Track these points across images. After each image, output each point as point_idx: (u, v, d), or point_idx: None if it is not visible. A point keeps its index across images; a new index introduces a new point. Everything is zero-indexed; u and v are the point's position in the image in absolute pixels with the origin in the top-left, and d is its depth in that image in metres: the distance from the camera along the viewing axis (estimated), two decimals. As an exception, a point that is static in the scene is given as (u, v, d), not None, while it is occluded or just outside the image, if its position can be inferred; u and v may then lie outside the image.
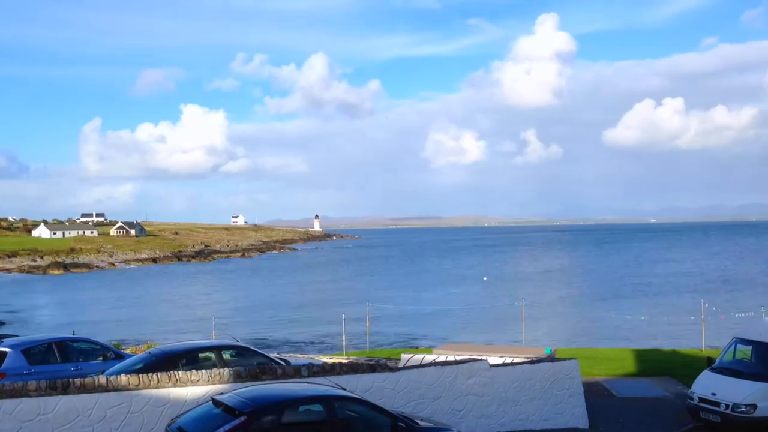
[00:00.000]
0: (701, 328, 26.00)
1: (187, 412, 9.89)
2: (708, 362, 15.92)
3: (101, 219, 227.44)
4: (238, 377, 11.30)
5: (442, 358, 14.37)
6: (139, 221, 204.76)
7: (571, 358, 15.18)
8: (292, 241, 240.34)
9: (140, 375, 10.96)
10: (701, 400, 14.69)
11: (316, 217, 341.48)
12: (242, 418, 8.71)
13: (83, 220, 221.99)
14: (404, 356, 15.96)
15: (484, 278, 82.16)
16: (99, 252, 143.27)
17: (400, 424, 9.92)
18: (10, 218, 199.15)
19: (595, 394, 17.16)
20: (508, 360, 14.88)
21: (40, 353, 15.11)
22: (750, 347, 15.40)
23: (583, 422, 14.62)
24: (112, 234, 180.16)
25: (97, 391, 10.42)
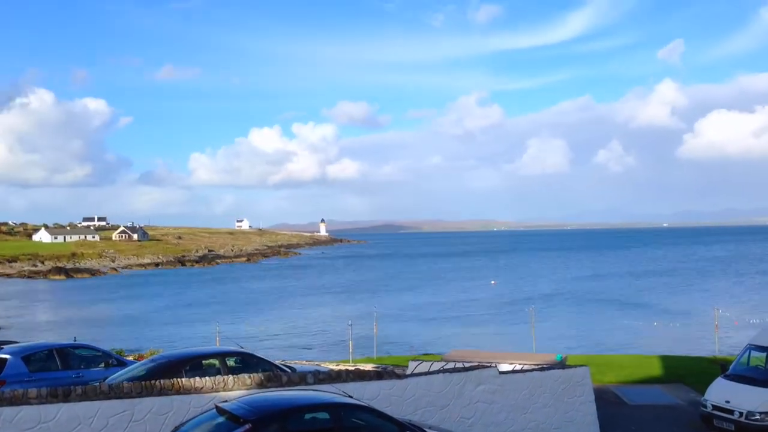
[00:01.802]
0: (714, 334, 25.75)
1: (190, 420, 9.67)
2: (721, 369, 15.70)
3: (103, 223, 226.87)
4: (242, 384, 11.10)
5: (450, 365, 14.12)
6: (142, 225, 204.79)
7: (582, 365, 14.93)
8: (298, 245, 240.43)
9: (143, 382, 10.77)
10: (714, 407, 14.46)
11: (322, 221, 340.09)
12: (247, 426, 8.49)
13: (85, 224, 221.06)
14: (412, 363, 15.73)
15: (492, 282, 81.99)
16: (101, 257, 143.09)
17: (407, 432, 9.69)
18: (10, 222, 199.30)
19: (606, 401, 16.93)
20: (518, 367, 14.65)
21: (40, 360, 14.96)
22: (764, 354, 15.17)
23: (594, 430, 14.36)
24: (114, 238, 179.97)
25: (99, 399, 10.23)
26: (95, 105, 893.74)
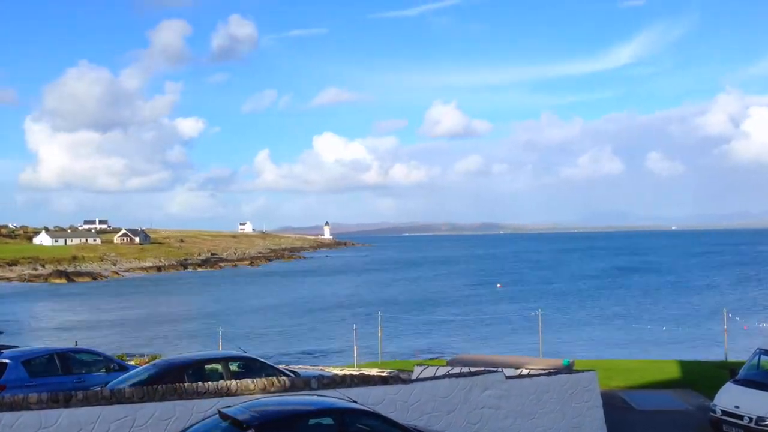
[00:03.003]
0: (723, 339, 25.57)
1: (193, 425, 9.58)
2: (731, 374, 15.49)
3: (104, 226, 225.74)
4: (245, 389, 10.97)
5: (456, 370, 13.95)
6: (144, 228, 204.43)
7: (590, 370, 14.76)
8: (302, 248, 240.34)
9: (145, 387, 10.65)
10: (724, 413, 14.26)
11: (326, 224, 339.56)
12: (250, 432, 8.36)
13: (86, 227, 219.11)
14: (417, 368, 15.55)
15: (498, 286, 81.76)
16: (102, 260, 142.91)
17: (413, 438, 9.56)
18: (10, 225, 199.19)
19: (613, 406, 16.71)
20: (525, 372, 14.47)
21: (41, 365, 14.87)
22: (774, 358, 14.97)
23: (601, 436, 14.18)
24: (115, 241, 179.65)
25: (101, 404, 10.10)
26: (187, 122, 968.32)
